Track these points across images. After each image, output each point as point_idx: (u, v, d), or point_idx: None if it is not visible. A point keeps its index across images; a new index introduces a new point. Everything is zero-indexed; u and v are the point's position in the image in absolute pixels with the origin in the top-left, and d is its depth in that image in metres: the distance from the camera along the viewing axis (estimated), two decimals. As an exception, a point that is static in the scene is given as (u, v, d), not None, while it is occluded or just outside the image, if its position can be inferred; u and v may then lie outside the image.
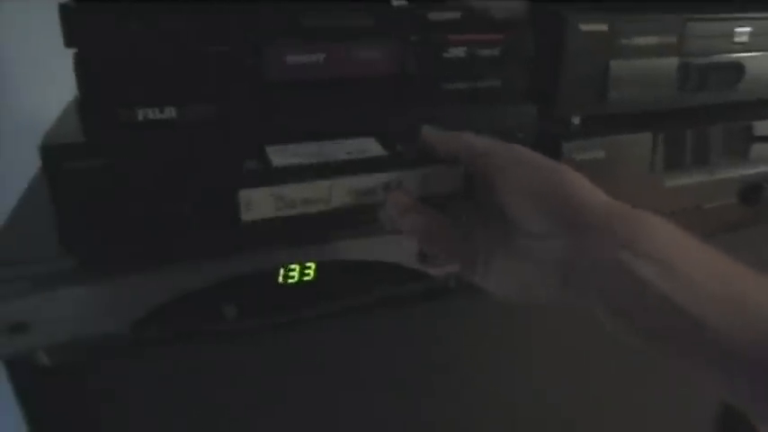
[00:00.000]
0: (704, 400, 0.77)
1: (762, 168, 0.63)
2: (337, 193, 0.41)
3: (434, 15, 0.46)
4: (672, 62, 0.56)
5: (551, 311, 0.56)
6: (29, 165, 0.47)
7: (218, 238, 0.43)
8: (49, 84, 0.56)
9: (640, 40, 0.54)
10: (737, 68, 0.60)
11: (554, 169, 0.37)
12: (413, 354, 0.56)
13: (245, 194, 0.39)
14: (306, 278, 0.46)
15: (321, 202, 0.41)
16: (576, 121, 0.56)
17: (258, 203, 0.40)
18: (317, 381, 0.54)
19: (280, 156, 0.42)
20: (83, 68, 0.38)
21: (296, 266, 0.46)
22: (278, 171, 0.40)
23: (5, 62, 0.81)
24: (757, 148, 0.62)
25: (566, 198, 0.35)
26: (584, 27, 0.51)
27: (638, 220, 0.34)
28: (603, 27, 0.52)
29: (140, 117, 0.40)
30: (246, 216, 0.39)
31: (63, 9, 0.37)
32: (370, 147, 0.44)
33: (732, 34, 0.58)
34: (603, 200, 0.36)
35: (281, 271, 0.45)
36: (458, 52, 0.48)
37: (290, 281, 0.46)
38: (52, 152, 0.38)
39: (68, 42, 0.38)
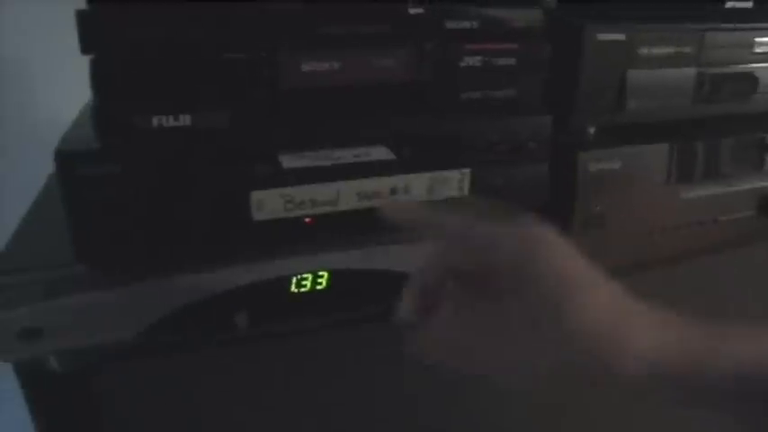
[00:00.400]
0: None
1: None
2: (345, 195, 0.42)
3: (451, 24, 0.46)
4: (690, 72, 0.56)
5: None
6: (42, 168, 0.48)
7: (231, 244, 0.43)
8: (63, 87, 0.57)
9: (658, 50, 0.53)
10: (755, 79, 0.59)
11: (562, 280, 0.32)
12: (426, 364, 0.56)
13: (256, 195, 0.40)
14: (318, 287, 0.46)
15: (329, 203, 0.42)
16: (592, 131, 0.55)
17: (269, 204, 0.41)
18: (328, 390, 0.54)
19: (290, 158, 0.42)
20: (99, 75, 0.38)
21: (309, 275, 0.45)
22: (288, 173, 0.41)
23: (17, 64, 0.82)
24: (776, 160, 0.61)
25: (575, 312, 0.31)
26: (602, 37, 0.50)
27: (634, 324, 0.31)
28: (621, 37, 0.51)
29: (155, 124, 0.40)
30: (258, 216, 0.41)
31: (80, 15, 0.37)
32: (378, 151, 0.44)
33: (752, 45, 0.57)
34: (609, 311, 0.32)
35: (294, 280, 0.45)
36: (474, 61, 0.47)
37: (302, 290, 0.45)
38: (67, 158, 0.38)
39: (85, 49, 0.38)
